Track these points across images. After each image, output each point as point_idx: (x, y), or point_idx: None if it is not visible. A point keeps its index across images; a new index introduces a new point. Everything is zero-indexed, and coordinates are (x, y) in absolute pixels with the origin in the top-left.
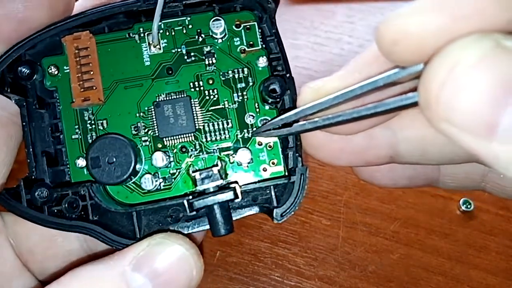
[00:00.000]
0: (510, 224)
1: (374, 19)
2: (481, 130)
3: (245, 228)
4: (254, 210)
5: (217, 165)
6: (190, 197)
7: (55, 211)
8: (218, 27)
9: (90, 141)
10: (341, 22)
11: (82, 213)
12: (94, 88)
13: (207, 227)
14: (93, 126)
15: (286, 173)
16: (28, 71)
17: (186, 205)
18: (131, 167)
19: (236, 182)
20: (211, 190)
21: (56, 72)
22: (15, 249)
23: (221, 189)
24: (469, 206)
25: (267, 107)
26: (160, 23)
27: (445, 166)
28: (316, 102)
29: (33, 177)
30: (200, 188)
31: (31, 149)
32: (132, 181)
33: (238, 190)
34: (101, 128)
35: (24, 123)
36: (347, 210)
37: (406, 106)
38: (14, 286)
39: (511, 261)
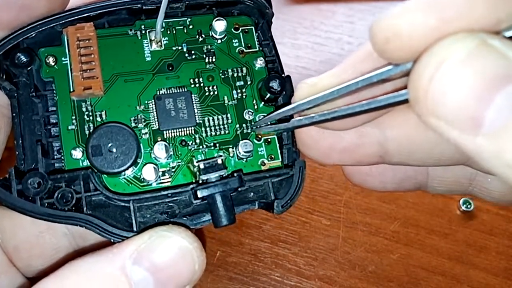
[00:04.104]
0: (510, 224)
1: (374, 19)
2: (466, 124)
3: (245, 228)
4: (253, 205)
5: (221, 155)
6: (193, 185)
7: (48, 203)
8: (220, 27)
9: (87, 132)
10: (341, 22)
11: (76, 205)
12: (96, 78)
13: (205, 222)
14: (91, 117)
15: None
16: (26, 59)
17: (191, 194)
18: (134, 156)
19: (240, 170)
20: (213, 180)
21: (53, 63)
22: (1, 245)
23: (223, 179)
24: (469, 206)
25: (264, 104)
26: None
27: (433, 169)
28: (312, 97)
29: (20, 169)
30: (203, 177)
31: (20, 141)
32: (132, 173)
33: (243, 178)
34: (99, 120)
35: (14, 114)
36: (347, 210)
37: (397, 102)
38: (0, 283)
39: (511, 261)
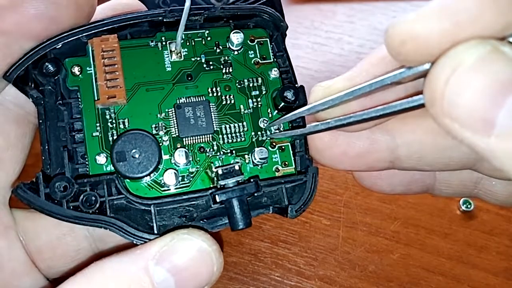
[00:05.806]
0: (510, 224)
1: (375, 19)
2: (479, 126)
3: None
4: (267, 209)
5: (237, 162)
6: (212, 190)
7: (73, 206)
8: (236, 39)
9: (110, 138)
10: (342, 22)
11: (100, 208)
12: (119, 87)
13: (222, 226)
14: (114, 124)
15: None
16: (53, 68)
17: (209, 198)
18: (156, 162)
19: (256, 176)
20: (231, 185)
21: (79, 73)
22: (24, 247)
23: (240, 184)
24: (469, 206)
25: (278, 112)
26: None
27: (441, 173)
28: (327, 99)
29: (47, 174)
30: (221, 183)
31: (46, 147)
32: (152, 178)
33: (259, 184)
34: (122, 127)
35: (41, 121)
36: (347, 210)
37: (412, 108)
38: (23, 284)
39: (511, 261)
